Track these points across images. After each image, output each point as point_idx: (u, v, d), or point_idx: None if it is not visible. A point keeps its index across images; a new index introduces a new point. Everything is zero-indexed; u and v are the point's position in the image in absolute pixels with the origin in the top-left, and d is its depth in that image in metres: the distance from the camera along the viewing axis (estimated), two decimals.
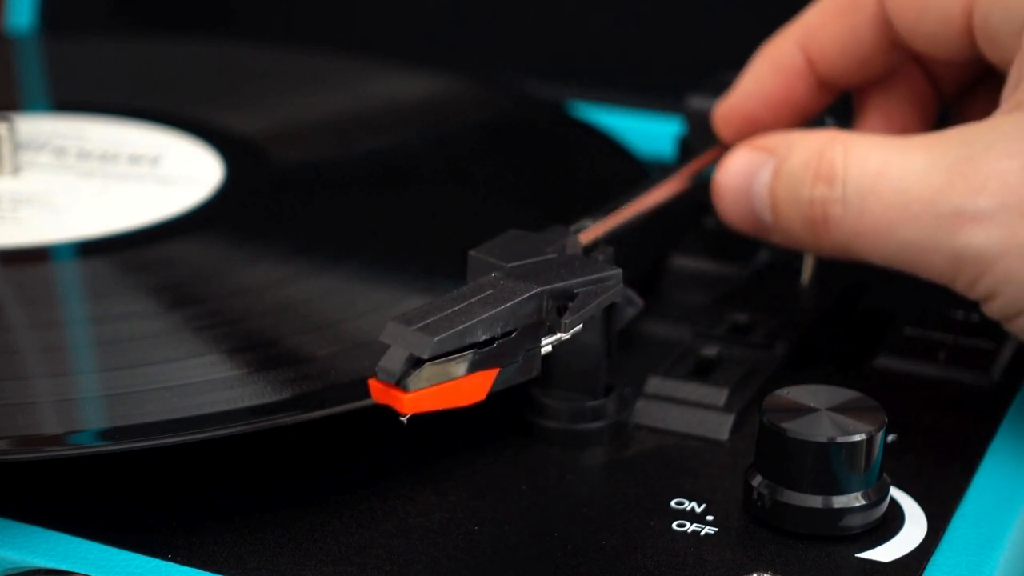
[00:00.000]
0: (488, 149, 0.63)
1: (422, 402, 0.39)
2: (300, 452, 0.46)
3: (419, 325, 0.39)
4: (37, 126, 0.61)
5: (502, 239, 0.44)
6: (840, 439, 0.42)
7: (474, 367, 0.40)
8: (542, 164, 0.60)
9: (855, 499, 0.42)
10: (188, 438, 0.42)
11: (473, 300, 0.40)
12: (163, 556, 0.41)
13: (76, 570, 0.41)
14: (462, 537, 0.42)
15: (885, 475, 0.43)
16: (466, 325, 0.39)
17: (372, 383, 0.39)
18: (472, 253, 0.43)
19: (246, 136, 0.61)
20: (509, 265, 0.43)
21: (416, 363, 0.39)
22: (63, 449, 0.42)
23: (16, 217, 0.54)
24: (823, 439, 0.42)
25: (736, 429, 0.47)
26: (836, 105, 0.53)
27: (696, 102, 0.56)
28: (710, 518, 0.43)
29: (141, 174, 0.58)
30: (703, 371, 0.49)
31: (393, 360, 0.39)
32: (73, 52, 0.71)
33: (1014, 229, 0.44)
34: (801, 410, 0.43)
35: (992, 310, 0.45)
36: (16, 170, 0.58)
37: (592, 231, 0.47)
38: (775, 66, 0.52)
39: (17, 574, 0.41)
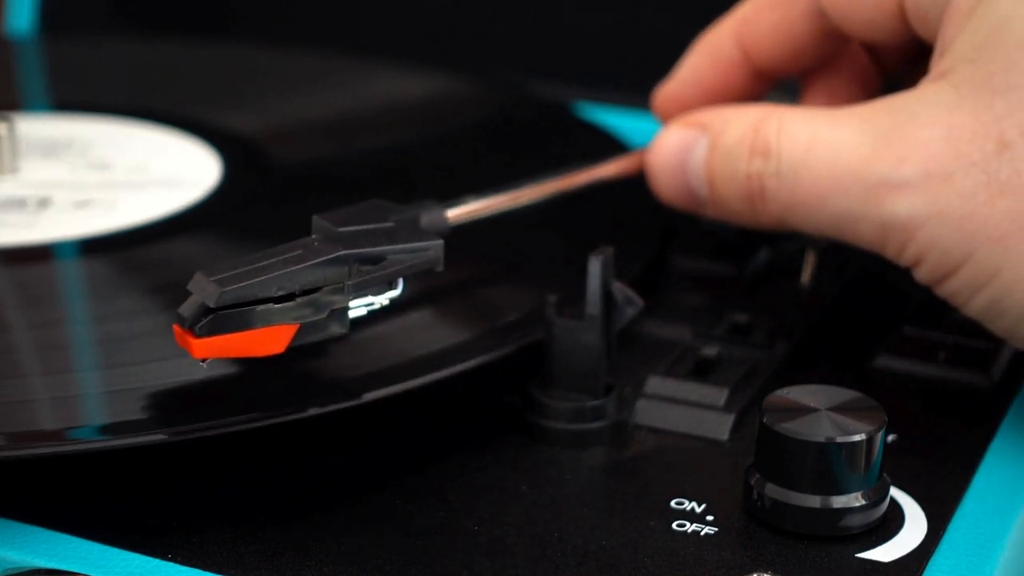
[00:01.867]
0: (488, 149, 0.63)
1: (213, 349, 0.41)
2: (300, 452, 0.46)
3: (216, 277, 0.41)
4: (37, 126, 0.61)
5: (357, 207, 0.46)
6: (840, 439, 0.42)
7: (267, 320, 0.42)
8: (542, 164, 0.60)
9: (855, 499, 0.42)
10: (188, 436, 0.42)
11: (279, 258, 0.42)
12: (163, 556, 0.41)
13: (76, 570, 0.41)
14: (462, 537, 0.42)
15: (885, 475, 0.43)
16: (259, 280, 0.41)
17: (175, 328, 0.41)
18: (315, 217, 0.45)
19: (245, 136, 0.61)
20: (339, 229, 0.44)
21: (206, 311, 0.41)
22: (62, 445, 0.42)
23: (15, 216, 0.54)
24: (823, 439, 0.42)
25: (736, 429, 0.47)
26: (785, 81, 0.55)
27: None
28: (710, 518, 0.43)
29: (140, 174, 0.58)
30: (703, 371, 0.49)
31: (188, 307, 0.41)
32: (73, 52, 0.71)
33: (935, 196, 0.45)
34: (801, 410, 0.43)
35: (920, 275, 0.46)
36: (16, 170, 0.58)
37: (464, 209, 0.48)
38: (712, 57, 0.53)
39: (17, 574, 0.41)
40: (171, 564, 0.41)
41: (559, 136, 0.64)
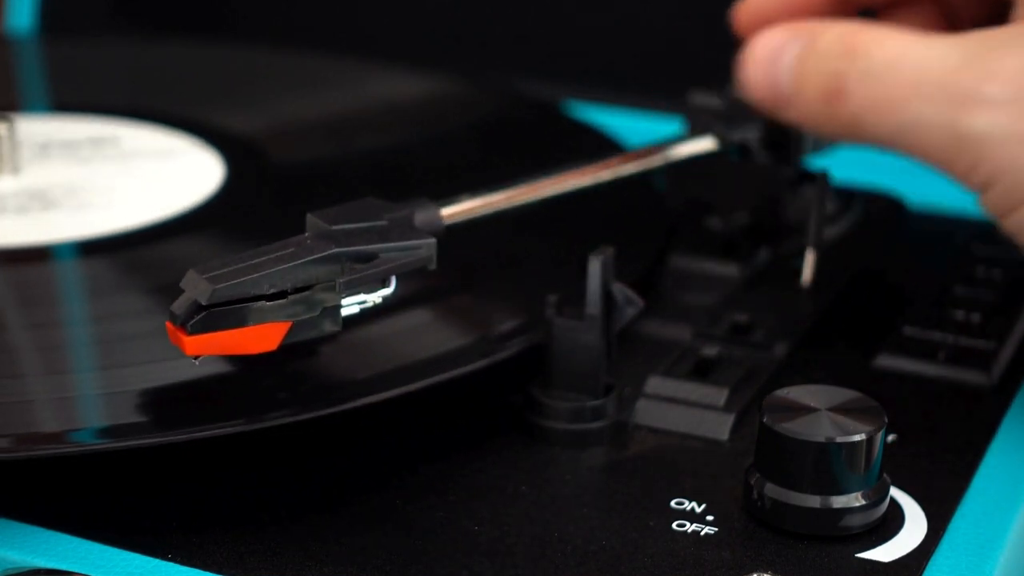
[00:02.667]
0: (488, 149, 0.63)
1: (205, 346, 0.41)
2: (300, 452, 0.46)
3: (209, 274, 0.41)
4: (37, 126, 0.61)
5: (350, 205, 0.46)
6: (840, 439, 0.42)
7: (259, 318, 0.42)
8: (542, 164, 0.60)
9: (855, 499, 0.42)
10: (188, 436, 0.42)
11: (271, 256, 0.42)
12: (163, 556, 0.41)
13: (76, 570, 0.41)
14: (462, 537, 0.42)
15: (885, 475, 0.43)
16: (251, 277, 0.42)
17: (167, 325, 0.41)
18: (308, 214, 0.45)
19: (246, 136, 0.61)
20: (334, 227, 0.44)
21: (198, 308, 0.41)
22: (63, 447, 0.42)
23: (15, 217, 0.54)
24: (823, 439, 0.42)
25: (736, 429, 0.47)
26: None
27: (698, 98, 0.56)
28: (710, 518, 0.43)
29: (140, 174, 0.58)
30: (703, 371, 0.49)
31: (181, 305, 0.41)
32: (73, 52, 0.71)
33: (1018, 117, 0.44)
34: (801, 410, 0.43)
35: (987, 202, 0.46)
36: (16, 170, 0.58)
37: (458, 208, 0.48)
38: None
39: (17, 574, 0.41)
40: (171, 564, 0.41)
41: (553, 135, 0.64)
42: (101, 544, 0.42)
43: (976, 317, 0.52)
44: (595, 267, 0.46)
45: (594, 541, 0.42)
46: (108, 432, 0.43)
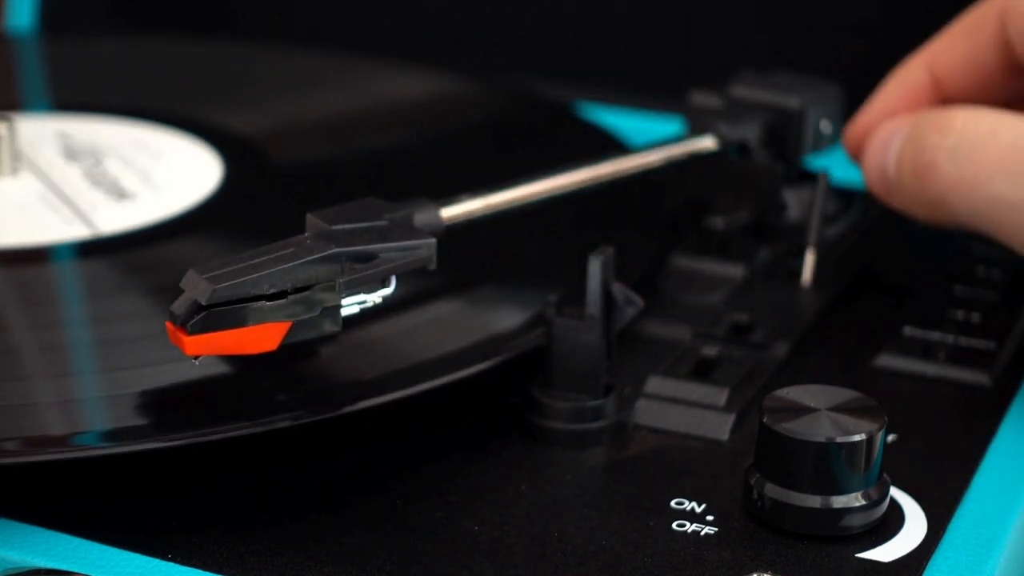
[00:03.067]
0: (488, 149, 0.63)
1: (205, 346, 0.41)
2: (300, 452, 0.46)
3: (209, 274, 0.41)
4: (37, 126, 0.61)
5: (350, 205, 0.46)
6: (840, 439, 0.42)
7: (259, 318, 0.42)
8: (542, 164, 0.60)
9: (855, 499, 0.42)
10: (191, 440, 0.42)
11: (271, 256, 0.42)
12: (163, 556, 0.41)
13: (76, 570, 0.41)
14: (462, 537, 0.42)
15: (885, 475, 0.43)
16: (250, 277, 0.41)
17: (167, 325, 0.41)
18: (308, 214, 0.45)
19: (246, 136, 0.61)
20: (334, 227, 0.44)
21: (198, 308, 0.41)
22: (66, 451, 0.42)
23: (15, 217, 0.54)
24: (823, 439, 0.42)
25: (736, 429, 0.47)
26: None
27: (698, 98, 0.56)
28: (710, 518, 0.43)
29: (141, 174, 0.58)
30: (703, 371, 0.49)
31: (180, 305, 0.41)
32: (73, 52, 0.71)
33: None
34: (801, 410, 0.43)
35: None
36: (16, 170, 0.58)
37: (459, 209, 0.48)
38: (904, 84, 0.54)
39: (17, 574, 0.41)
40: (171, 564, 0.41)
41: (560, 136, 0.64)
42: (101, 544, 0.42)
43: (976, 317, 0.52)
44: (595, 267, 0.46)
45: (594, 541, 0.42)
46: (113, 434, 0.43)
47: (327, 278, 0.43)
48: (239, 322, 0.41)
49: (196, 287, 0.41)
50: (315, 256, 0.43)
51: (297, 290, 0.42)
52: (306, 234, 0.44)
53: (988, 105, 0.53)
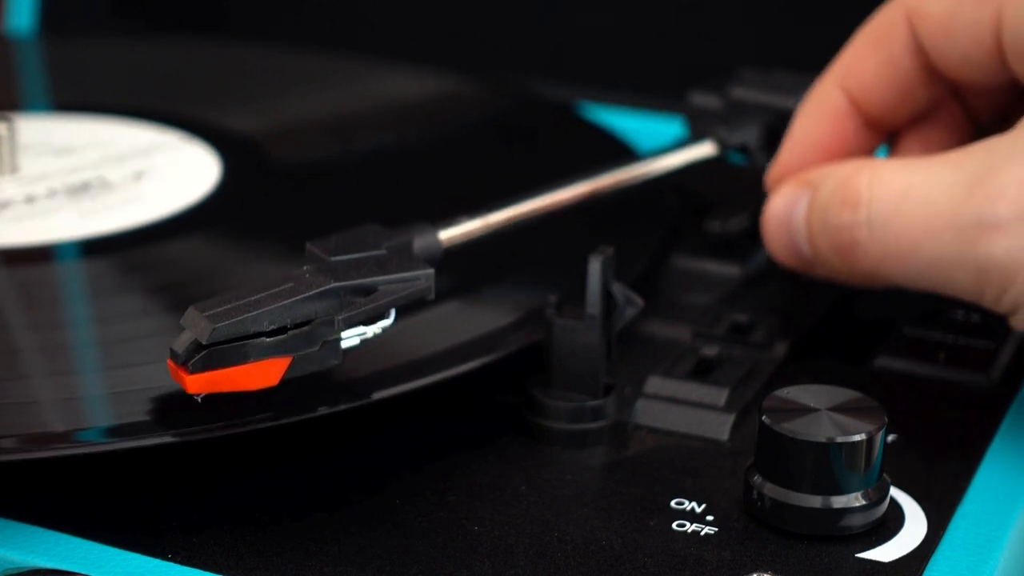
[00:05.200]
0: (488, 149, 0.63)
1: (206, 384, 0.41)
2: (300, 452, 0.46)
3: (209, 312, 0.41)
4: (37, 126, 0.61)
5: (350, 232, 0.46)
6: (840, 439, 0.42)
7: (259, 355, 0.42)
8: (543, 164, 0.60)
9: (855, 499, 0.42)
10: (189, 438, 0.42)
11: (270, 292, 0.42)
12: (163, 556, 0.41)
13: (76, 570, 0.41)
14: (462, 537, 0.42)
15: (885, 475, 0.43)
16: (250, 315, 0.41)
17: (168, 363, 0.41)
18: (308, 244, 0.45)
19: (245, 136, 0.61)
20: (332, 259, 0.44)
21: (198, 347, 0.41)
22: (66, 447, 0.42)
23: (16, 217, 0.54)
24: (823, 439, 0.42)
25: (736, 429, 0.47)
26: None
27: (698, 98, 0.56)
28: (710, 518, 0.43)
29: (141, 174, 0.58)
30: (703, 371, 0.49)
31: (181, 343, 0.41)
32: (73, 52, 0.71)
33: None
34: (801, 410, 0.43)
35: (1019, 322, 0.45)
36: (16, 170, 0.58)
37: (459, 230, 0.48)
38: (820, 111, 0.51)
39: (17, 574, 0.41)
40: (171, 564, 0.41)
41: (562, 136, 0.63)
42: (101, 544, 0.42)
43: (976, 317, 0.52)
44: (595, 267, 0.46)
45: (594, 541, 0.42)
46: (113, 432, 0.43)
47: (326, 313, 0.43)
48: (240, 359, 0.41)
49: (196, 326, 0.41)
50: (314, 292, 0.43)
51: (297, 325, 0.42)
52: (305, 267, 0.44)
53: (909, 116, 0.51)
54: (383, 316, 0.44)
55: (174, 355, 0.41)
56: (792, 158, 0.52)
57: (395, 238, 0.46)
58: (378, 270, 0.44)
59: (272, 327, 0.42)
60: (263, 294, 0.42)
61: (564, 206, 0.50)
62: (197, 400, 0.42)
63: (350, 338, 0.43)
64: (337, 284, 0.43)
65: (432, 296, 0.45)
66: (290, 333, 0.42)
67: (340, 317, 0.43)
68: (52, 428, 0.43)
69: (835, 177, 0.47)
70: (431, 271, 0.45)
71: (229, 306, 0.42)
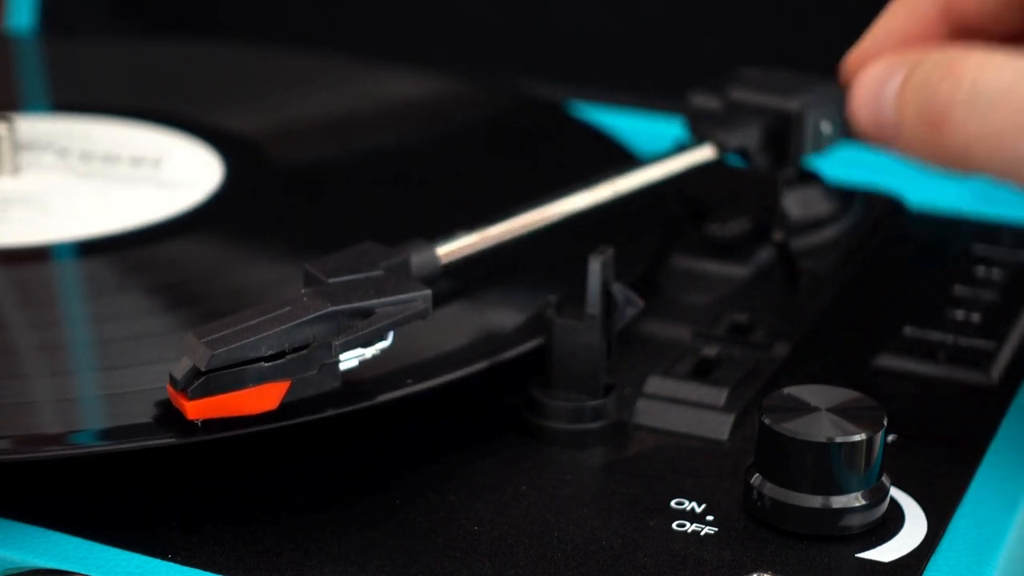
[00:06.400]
0: (488, 149, 0.63)
1: (206, 409, 0.41)
2: (300, 452, 0.46)
3: (207, 339, 0.41)
4: (37, 126, 0.61)
5: (348, 252, 0.46)
6: (840, 439, 0.42)
7: (258, 380, 0.42)
8: (542, 164, 0.60)
9: (855, 499, 0.42)
10: (188, 439, 0.42)
11: (268, 316, 0.42)
12: (163, 556, 0.41)
13: (76, 570, 0.41)
14: (462, 537, 0.42)
15: (885, 475, 0.43)
16: (248, 341, 0.42)
17: (168, 388, 0.42)
18: (306, 266, 0.45)
19: (246, 136, 0.61)
20: (330, 280, 0.44)
21: (197, 374, 0.41)
22: (64, 449, 0.42)
23: (16, 217, 0.54)
24: (823, 439, 0.42)
25: (736, 429, 0.47)
26: None
27: (698, 99, 0.56)
28: (710, 518, 0.43)
29: (141, 174, 0.58)
30: (703, 371, 0.49)
31: (180, 369, 0.42)
32: (73, 52, 0.71)
33: None
34: (801, 410, 0.43)
35: None
36: (16, 170, 0.58)
37: (456, 245, 0.48)
38: (907, 13, 0.51)
39: (17, 574, 0.41)
40: (171, 564, 0.41)
41: (555, 136, 0.63)
42: (101, 544, 0.42)
43: (976, 317, 0.52)
44: (595, 267, 0.46)
45: (594, 541, 0.42)
46: (111, 433, 0.43)
47: (324, 336, 0.43)
48: (239, 384, 0.42)
49: (195, 352, 0.41)
50: (311, 316, 0.43)
51: (295, 349, 0.42)
52: (303, 291, 0.44)
53: (1003, 33, 0.50)
54: (381, 338, 0.44)
55: (173, 382, 0.42)
56: (874, 46, 0.51)
57: (393, 256, 0.46)
58: (375, 293, 0.44)
59: (270, 352, 0.42)
60: (261, 319, 0.42)
61: (563, 218, 0.50)
62: (197, 425, 0.42)
63: (348, 360, 0.43)
64: (335, 308, 0.43)
65: (430, 317, 0.45)
66: (288, 357, 0.42)
67: (338, 342, 0.43)
68: (50, 429, 0.43)
69: (940, 54, 0.46)
70: (428, 292, 0.45)
71: (227, 332, 0.42)
